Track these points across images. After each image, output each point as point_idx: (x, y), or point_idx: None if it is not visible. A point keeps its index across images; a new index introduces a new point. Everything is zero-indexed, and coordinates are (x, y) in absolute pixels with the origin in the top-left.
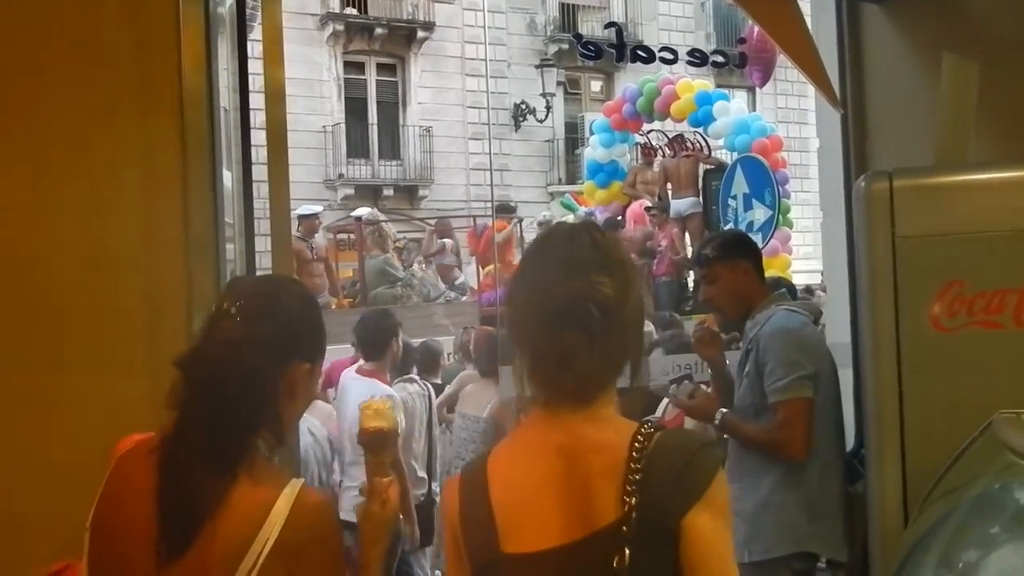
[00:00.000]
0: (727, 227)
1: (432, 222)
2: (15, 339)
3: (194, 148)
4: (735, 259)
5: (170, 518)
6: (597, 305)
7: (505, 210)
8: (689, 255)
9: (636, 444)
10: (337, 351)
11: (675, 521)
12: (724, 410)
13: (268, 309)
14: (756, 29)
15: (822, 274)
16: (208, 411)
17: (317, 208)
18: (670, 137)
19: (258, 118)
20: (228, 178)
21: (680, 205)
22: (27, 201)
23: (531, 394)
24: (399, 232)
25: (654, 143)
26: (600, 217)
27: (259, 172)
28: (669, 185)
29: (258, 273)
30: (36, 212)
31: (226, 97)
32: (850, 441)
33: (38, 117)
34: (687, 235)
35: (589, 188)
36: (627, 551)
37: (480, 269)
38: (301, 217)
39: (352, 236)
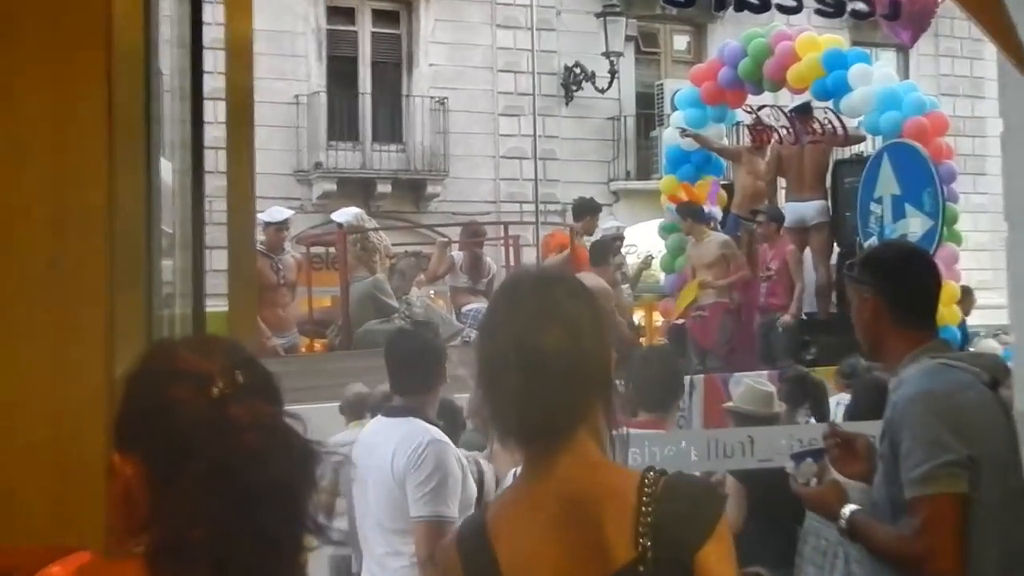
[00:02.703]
0: (869, 241)
1: (452, 232)
2: None
3: (123, 127)
4: (862, 284)
5: None
6: (552, 351)
7: (586, 210)
8: (809, 282)
9: (645, 488)
10: (316, 411)
11: (689, 558)
12: (853, 507)
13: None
14: None
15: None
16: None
17: (286, 212)
18: (791, 113)
19: (211, 84)
20: (167, 169)
21: (802, 210)
22: None
23: (508, 444)
24: (396, 244)
25: (767, 122)
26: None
27: (210, 160)
28: (783, 182)
29: (207, 304)
30: None
31: (168, 56)
32: None
33: None
34: (809, 253)
35: (668, 184)
36: None
37: None
38: (264, 224)
39: (332, 250)
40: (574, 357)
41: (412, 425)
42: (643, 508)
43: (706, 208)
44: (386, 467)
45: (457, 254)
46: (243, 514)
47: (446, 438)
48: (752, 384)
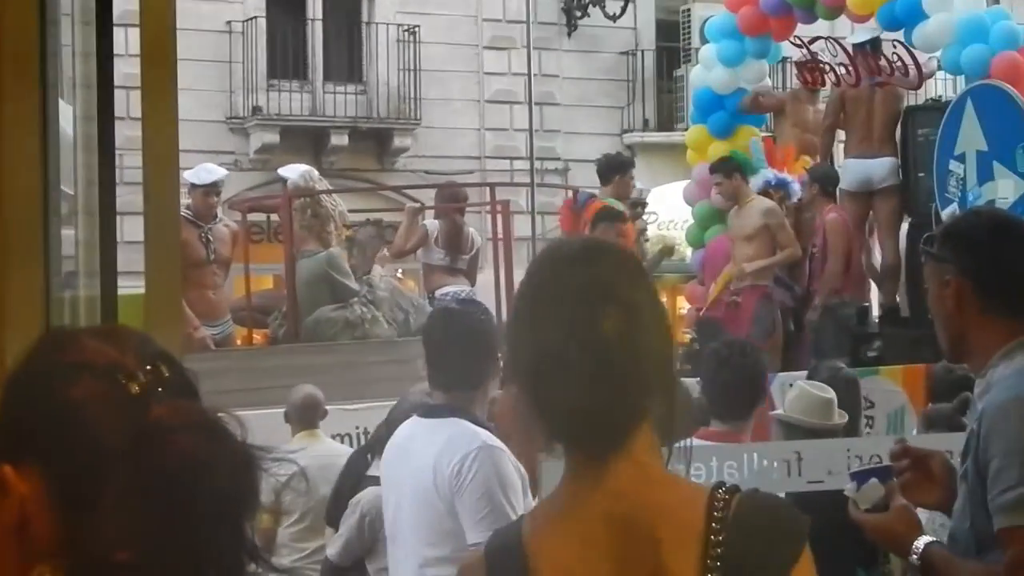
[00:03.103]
0: (948, 209)
1: (426, 196)
2: None
3: (11, 61)
4: (941, 263)
5: None
6: (612, 336)
7: (615, 168)
8: (876, 258)
9: (715, 511)
10: (256, 418)
11: None
12: (928, 538)
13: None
14: None
15: None
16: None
17: (218, 171)
18: (852, 49)
19: (122, 7)
20: (68, 115)
21: (868, 170)
22: None
23: (555, 447)
24: (354, 211)
25: (823, 59)
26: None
27: (121, 103)
28: (841, 135)
29: (119, 285)
30: None
31: None
32: None
33: None
34: (874, 224)
35: (696, 137)
36: None
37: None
38: (190, 186)
39: (275, 218)
40: (635, 343)
41: (457, 428)
42: (712, 536)
43: (786, 179)
44: (426, 481)
45: (431, 223)
46: (178, 530)
47: (499, 442)
48: (806, 387)
